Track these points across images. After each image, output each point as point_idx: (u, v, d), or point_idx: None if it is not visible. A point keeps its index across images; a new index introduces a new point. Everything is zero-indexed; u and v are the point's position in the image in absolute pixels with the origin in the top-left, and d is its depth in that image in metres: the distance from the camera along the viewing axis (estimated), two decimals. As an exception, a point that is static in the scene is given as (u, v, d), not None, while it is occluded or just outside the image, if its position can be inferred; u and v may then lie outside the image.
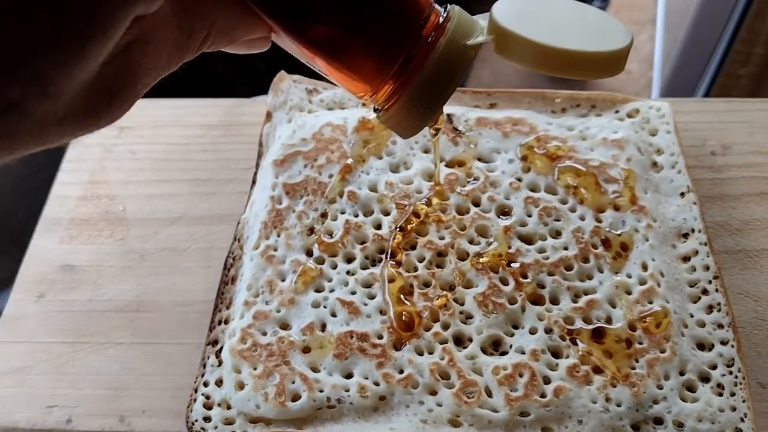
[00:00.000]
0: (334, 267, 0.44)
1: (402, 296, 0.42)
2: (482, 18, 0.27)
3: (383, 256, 0.44)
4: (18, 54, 0.18)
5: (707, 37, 1.22)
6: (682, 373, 0.40)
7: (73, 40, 0.19)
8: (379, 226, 0.45)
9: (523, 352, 0.41)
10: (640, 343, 0.40)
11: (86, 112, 0.22)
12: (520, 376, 0.40)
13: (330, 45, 0.25)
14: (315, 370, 0.40)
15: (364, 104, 0.39)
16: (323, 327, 0.42)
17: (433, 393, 0.40)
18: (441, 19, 0.26)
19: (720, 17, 1.18)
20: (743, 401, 0.39)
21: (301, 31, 0.25)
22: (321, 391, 0.40)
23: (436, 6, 0.26)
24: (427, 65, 0.25)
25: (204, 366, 0.42)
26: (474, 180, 0.47)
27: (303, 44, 0.25)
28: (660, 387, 0.39)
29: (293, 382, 0.40)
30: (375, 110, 0.27)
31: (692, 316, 0.42)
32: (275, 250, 0.45)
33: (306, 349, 0.41)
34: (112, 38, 0.20)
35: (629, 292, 0.42)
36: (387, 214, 0.46)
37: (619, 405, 0.39)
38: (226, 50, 0.28)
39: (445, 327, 0.41)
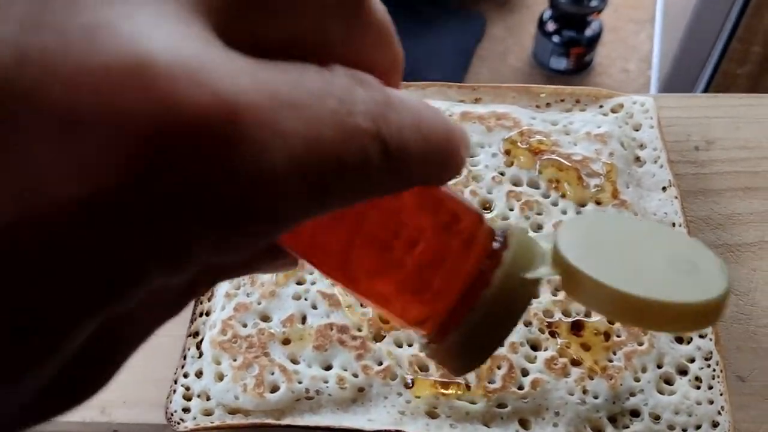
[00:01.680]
0: (316, 260, 0.44)
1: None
2: (544, 239, 0.22)
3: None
4: None
5: (705, 36, 1.22)
6: (659, 366, 0.40)
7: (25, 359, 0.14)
8: (361, 220, 0.45)
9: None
10: (618, 336, 0.41)
11: (57, 398, 0.17)
12: (498, 368, 0.40)
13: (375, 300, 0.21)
14: (294, 361, 0.41)
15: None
16: (303, 319, 0.42)
17: (411, 385, 0.40)
18: (496, 246, 0.21)
19: (718, 16, 1.18)
20: (720, 394, 0.39)
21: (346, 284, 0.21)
22: (300, 383, 0.40)
23: (488, 224, 0.21)
24: (480, 303, 0.20)
25: (184, 357, 0.42)
26: (456, 174, 0.47)
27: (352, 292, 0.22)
28: (637, 379, 0.39)
29: (272, 374, 0.40)
30: (422, 340, 0.23)
31: (671, 310, 0.42)
32: (257, 242, 0.45)
33: (286, 341, 0.41)
34: (79, 336, 0.15)
35: (609, 286, 0.42)
36: (370, 207, 0.46)
37: (596, 397, 0.39)
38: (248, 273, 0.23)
39: (425, 319, 0.42)
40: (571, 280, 0.20)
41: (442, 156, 0.18)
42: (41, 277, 0.12)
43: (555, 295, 0.42)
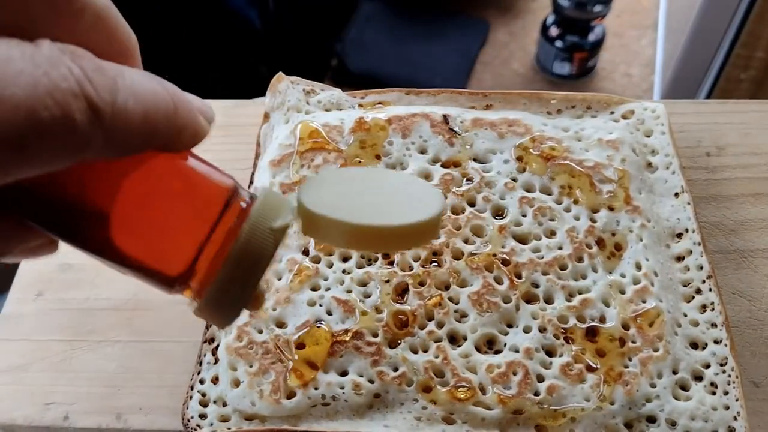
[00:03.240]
0: (330, 266, 0.44)
1: (397, 295, 0.43)
2: (291, 198, 0.25)
3: (378, 255, 0.44)
4: None
5: (708, 42, 1.22)
6: (675, 372, 0.40)
7: None
8: (375, 226, 0.46)
9: (517, 351, 0.41)
10: (634, 342, 0.41)
11: None
12: (514, 374, 0.40)
13: (115, 261, 0.24)
14: (310, 367, 0.41)
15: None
16: (319, 325, 0.42)
17: (428, 391, 0.40)
18: (245, 204, 0.24)
19: (721, 21, 1.18)
20: (736, 400, 0.39)
21: (81, 248, 0.24)
22: (316, 389, 0.40)
23: (242, 191, 0.25)
24: (228, 257, 0.23)
25: (200, 363, 0.42)
26: (469, 180, 0.47)
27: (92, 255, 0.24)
28: (653, 385, 0.39)
29: (288, 380, 0.40)
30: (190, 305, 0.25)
31: (686, 316, 0.42)
32: (272, 249, 0.45)
33: (301, 347, 0.41)
34: None
35: (623, 292, 0.43)
36: (383, 213, 0.46)
37: (612, 403, 0.39)
38: (4, 260, 0.25)
39: (440, 325, 0.42)
40: (311, 222, 0.24)
41: (171, 122, 0.20)
42: None
43: (569, 301, 0.42)
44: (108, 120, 0.18)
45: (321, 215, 0.24)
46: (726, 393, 0.40)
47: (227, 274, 0.23)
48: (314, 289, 0.43)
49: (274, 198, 0.25)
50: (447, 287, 0.43)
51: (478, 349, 0.41)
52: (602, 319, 0.42)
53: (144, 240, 0.24)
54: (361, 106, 0.52)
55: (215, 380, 0.42)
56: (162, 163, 0.23)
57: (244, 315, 0.42)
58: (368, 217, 0.24)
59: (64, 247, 0.44)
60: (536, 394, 0.39)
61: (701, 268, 0.44)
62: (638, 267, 0.43)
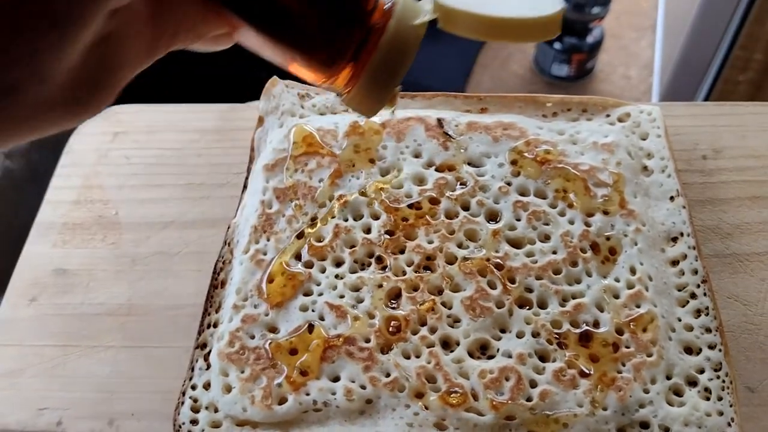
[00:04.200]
0: (323, 271, 0.44)
1: (390, 300, 0.43)
2: (426, 2, 0.30)
3: (372, 260, 0.44)
4: (11, 38, 0.21)
5: (707, 43, 1.22)
6: (668, 377, 0.40)
7: (56, 26, 0.22)
8: (368, 231, 0.45)
9: (510, 356, 0.41)
10: (627, 347, 0.40)
11: (73, 101, 0.24)
12: (507, 379, 0.40)
13: (285, 36, 0.28)
14: (303, 373, 0.41)
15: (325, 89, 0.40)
16: (311, 330, 0.42)
17: (420, 396, 0.40)
18: (387, 6, 0.28)
19: (719, 23, 1.18)
20: (730, 405, 0.39)
21: (259, 27, 0.28)
22: (308, 395, 0.40)
23: None
24: (380, 47, 0.28)
25: (192, 369, 0.42)
26: (463, 185, 0.47)
27: (262, 38, 0.28)
28: (646, 391, 0.39)
29: (280, 385, 0.40)
30: (338, 95, 0.30)
31: (680, 320, 0.42)
32: (264, 254, 0.45)
33: (293, 352, 0.41)
34: (90, 27, 0.23)
35: (617, 296, 0.42)
36: (377, 218, 0.46)
37: (605, 409, 0.39)
38: (192, 48, 0.30)
39: (433, 331, 0.42)
40: (447, 17, 0.30)
41: None
42: None
43: (563, 306, 0.42)
44: None
45: (457, 9, 0.29)
46: (720, 398, 0.39)
47: (379, 62, 0.28)
48: (307, 294, 0.43)
49: (412, 2, 0.29)
50: (440, 292, 0.43)
51: (471, 355, 0.41)
52: (596, 324, 0.41)
53: (314, 22, 0.28)
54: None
55: (207, 386, 0.41)
56: None
57: (236, 320, 0.42)
58: (498, 10, 0.29)
59: (57, 251, 0.45)
60: (529, 399, 0.39)
61: (696, 272, 0.43)
62: (633, 271, 0.43)
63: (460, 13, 0.29)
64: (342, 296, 0.43)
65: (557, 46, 1.56)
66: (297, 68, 0.29)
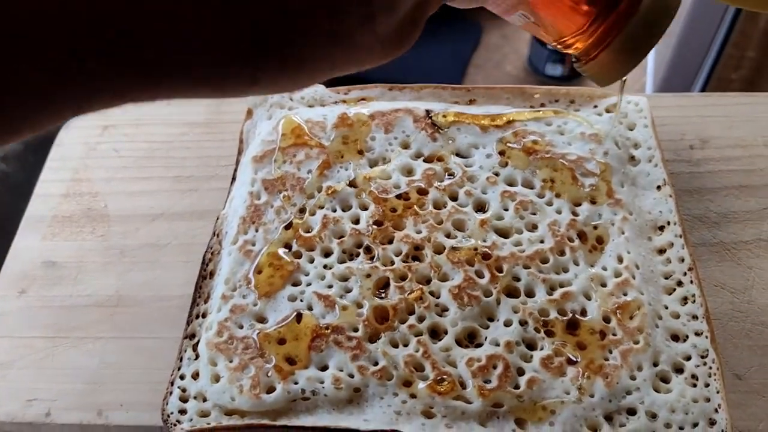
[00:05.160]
0: (311, 261, 0.44)
1: (378, 290, 0.43)
2: None
3: (360, 250, 0.44)
4: None
5: (700, 41, 1.23)
6: (655, 364, 0.40)
7: None
8: (357, 221, 0.45)
9: (497, 344, 0.41)
10: (614, 335, 0.41)
11: (396, 41, 0.25)
12: (494, 367, 0.40)
13: None
14: (290, 362, 0.41)
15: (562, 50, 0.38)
16: (299, 320, 0.42)
17: (408, 385, 0.40)
18: None
19: (712, 21, 1.19)
20: (717, 392, 0.39)
21: None
22: (296, 383, 0.40)
23: None
24: (640, 11, 0.26)
25: (181, 359, 0.42)
26: (451, 175, 0.47)
27: None
28: (633, 378, 0.39)
29: (268, 375, 0.40)
30: (575, 60, 0.29)
31: (667, 308, 0.42)
32: (253, 245, 0.45)
33: (281, 342, 0.41)
34: None
35: (604, 285, 0.42)
36: (365, 209, 0.46)
37: (592, 396, 0.39)
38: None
39: (421, 319, 0.42)
40: None
41: None
42: None
43: (550, 294, 0.42)
44: None
45: None
46: (707, 385, 0.40)
47: (638, 28, 0.26)
48: (295, 284, 0.43)
49: None
50: (428, 281, 0.43)
51: (459, 343, 0.41)
52: (583, 312, 0.42)
53: None
54: (344, 101, 0.52)
55: (195, 376, 0.41)
56: None
57: (225, 310, 0.42)
58: None
59: (46, 243, 0.44)
60: (516, 387, 0.39)
61: (683, 260, 0.44)
62: (620, 260, 0.43)
63: None
64: (330, 286, 0.43)
65: (551, 46, 1.57)
66: (555, 11, 0.28)
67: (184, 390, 0.41)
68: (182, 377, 0.42)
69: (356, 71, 0.25)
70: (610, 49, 0.26)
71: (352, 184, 0.47)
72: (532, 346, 0.41)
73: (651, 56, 1.52)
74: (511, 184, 0.46)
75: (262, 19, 0.21)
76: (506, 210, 0.45)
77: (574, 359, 0.40)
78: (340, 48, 0.23)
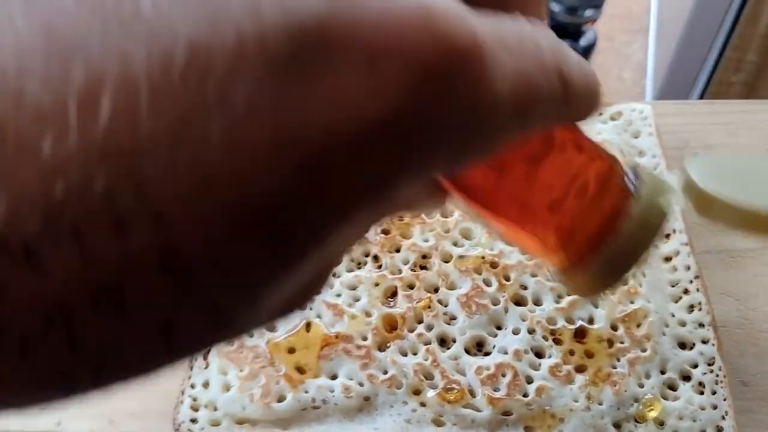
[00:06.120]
0: (320, 270, 0.44)
1: (386, 298, 0.43)
2: (672, 179, 0.25)
3: (368, 259, 0.45)
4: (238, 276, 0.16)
5: (699, 45, 1.23)
6: (663, 372, 0.40)
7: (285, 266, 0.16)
8: (364, 230, 0.46)
9: (506, 352, 0.41)
10: (622, 343, 0.41)
11: (281, 314, 0.19)
12: (503, 375, 0.40)
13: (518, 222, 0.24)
14: (300, 371, 0.41)
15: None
16: (308, 329, 0.42)
17: (417, 393, 0.40)
18: (630, 179, 0.23)
19: (712, 24, 1.19)
20: (724, 399, 0.40)
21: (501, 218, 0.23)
22: (306, 392, 0.40)
23: (623, 167, 0.23)
24: (620, 234, 0.23)
25: (191, 368, 0.43)
26: (458, 183, 0.47)
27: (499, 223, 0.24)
28: (641, 385, 0.40)
29: (278, 383, 0.40)
30: (554, 271, 0.25)
31: (673, 316, 0.43)
32: (262, 253, 0.45)
33: (291, 351, 0.42)
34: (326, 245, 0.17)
35: (611, 293, 0.43)
36: (373, 217, 0.46)
37: (600, 403, 0.39)
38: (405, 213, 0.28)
39: (429, 328, 0.42)
40: (703, 203, 0.24)
41: (595, 91, 0.20)
42: (345, 176, 0.14)
43: (558, 302, 0.42)
44: (569, 94, 0.18)
45: (715, 197, 0.24)
46: (714, 392, 0.40)
47: (619, 248, 0.23)
48: (304, 293, 0.44)
49: (654, 178, 0.24)
50: (436, 290, 0.43)
51: (468, 351, 0.41)
52: (590, 320, 0.42)
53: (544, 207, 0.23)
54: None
55: (206, 385, 0.42)
56: (564, 135, 0.23)
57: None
58: (762, 201, 0.24)
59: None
60: (525, 395, 0.40)
61: (689, 268, 0.44)
62: (626, 268, 0.43)
63: (716, 200, 0.24)
64: (339, 295, 0.43)
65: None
66: (525, 246, 0.25)
67: (195, 399, 0.41)
68: (193, 386, 0.42)
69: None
70: (589, 274, 0.23)
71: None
72: (540, 354, 0.41)
73: (651, 61, 1.52)
74: (517, 193, 0.47)
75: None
76: (513, 218, 0.46)
77: (583, 367, 0.40)
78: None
